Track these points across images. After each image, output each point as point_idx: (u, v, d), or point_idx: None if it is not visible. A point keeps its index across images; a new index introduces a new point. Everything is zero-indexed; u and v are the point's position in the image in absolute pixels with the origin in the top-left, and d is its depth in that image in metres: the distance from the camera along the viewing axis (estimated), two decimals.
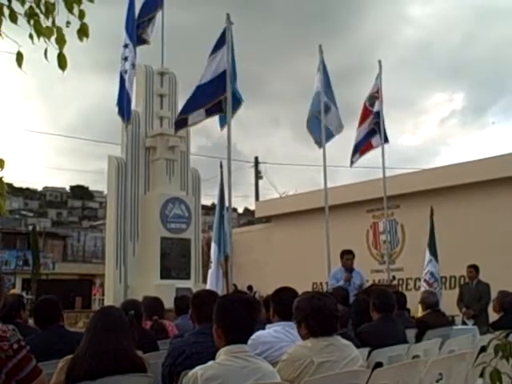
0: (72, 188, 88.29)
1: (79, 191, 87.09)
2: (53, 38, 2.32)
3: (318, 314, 3.41)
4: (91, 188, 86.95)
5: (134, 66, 9.23)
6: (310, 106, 11.13)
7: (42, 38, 2.32)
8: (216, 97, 9.05)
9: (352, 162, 12.13)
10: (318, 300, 3.49)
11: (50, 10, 2.30)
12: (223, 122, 9.27)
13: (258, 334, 3.86)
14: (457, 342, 5.41)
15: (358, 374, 3.32)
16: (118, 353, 3.34)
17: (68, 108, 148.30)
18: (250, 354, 3.01)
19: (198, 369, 2.86)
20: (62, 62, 2.34)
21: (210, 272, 8.23)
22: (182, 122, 9.54)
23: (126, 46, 9.15)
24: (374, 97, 12.10)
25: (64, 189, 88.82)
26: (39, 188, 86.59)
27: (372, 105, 12.08)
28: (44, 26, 2.30)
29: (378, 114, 12.00)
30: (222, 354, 2.94)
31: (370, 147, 12.15)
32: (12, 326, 2.78)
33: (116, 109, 9.21)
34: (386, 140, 12.14)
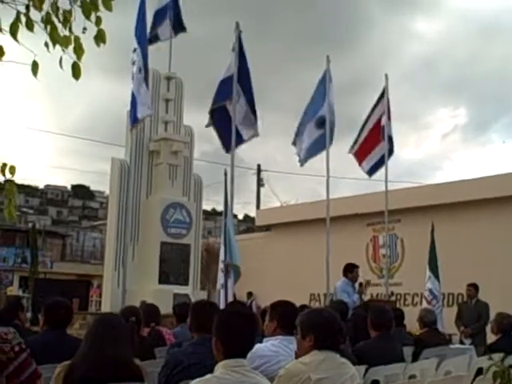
0: (73, 187, 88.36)
1: (80, 190, 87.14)
2: (70, 48, 2.33)
3: (328, 327, 3.42)
4: (92, 188, 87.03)
5: (140, 69, 9.23)
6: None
7: (57, 46, 2.33)
8: (224, 100, 9.17)
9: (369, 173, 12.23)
10: (329, 314, 3.52)
11: (67, 19, 2.31)
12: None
13: (256, 348, 3.85)
14: (454, 363, 5.40)
15: None
16: (117, 360, 3.33)
17: (74, 109, 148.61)
18: (248, 368, 3.00)
19: (196, 381, 2.86)
20: (76, 72, 2.35)
21: (229, 281, 8.18)
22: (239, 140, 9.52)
23: (134, 50, 9.17)
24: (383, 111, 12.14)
25: (65, 187, 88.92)
26: (41, 186, 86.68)
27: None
28: (62, 34, 2.31)
29: (383, 128, 12.02)
30: (220, 368, 2.93)
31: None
32: (13, 329, 2.79)
33: (126, 114, 9.24)
34: (391, 152, 12.17)
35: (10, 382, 2.66)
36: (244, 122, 9.36)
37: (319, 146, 11.01)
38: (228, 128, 9.18)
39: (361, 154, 12.09)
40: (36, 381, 2.78)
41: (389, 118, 12.23)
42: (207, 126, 9.37)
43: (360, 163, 12.10)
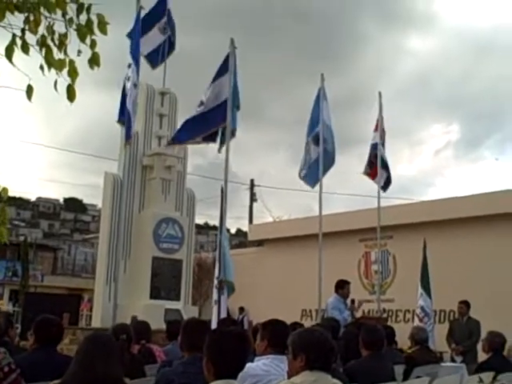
0: (65, 200, 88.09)
1: (72, 204, 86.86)
2: (64, 71, 2.35)
3: (319, 347, 3.41)
4: (85, 201, 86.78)
5: (135, 85, 9.25)
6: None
7: (52, 69, 2.35)
8: (215, 126, 9.09)
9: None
10: (321, 334, 3.50)
11: (63, 42, 2.33)
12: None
13: (247, 367, 3.84)
14: (445, 382, 5.41)
15: None
16: (107, 379, 3.31)
17: (67, 122, 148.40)
18: None
19: None
20: (71, 95, 2.37)
21: (222, 298, 8.13)
22: (175, 141, 9.62)
23: (129, 65, 9.19)
24: (375, 129, 12.22)
25: (57, 200, 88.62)
26: (32, 198, 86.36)
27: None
28: (56, 58, 2.33)
29: (375, 146, 12.09)
30: None
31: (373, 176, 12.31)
32: (3, 349, 2.78)
33: (119, 127, 9.23)
34: (387, 184, 12.32)
35: None
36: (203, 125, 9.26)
37: (325, 163, 11.07)
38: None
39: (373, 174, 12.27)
40: None
41: (382, 136, 12.33)
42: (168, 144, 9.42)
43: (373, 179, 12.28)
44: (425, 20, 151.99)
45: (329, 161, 11.10)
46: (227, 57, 9.21)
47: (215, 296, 8.16)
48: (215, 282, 8.21)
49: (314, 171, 11.00)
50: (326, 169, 11.11)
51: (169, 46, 13.35)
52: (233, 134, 9.17)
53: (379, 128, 12.17)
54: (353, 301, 9.13)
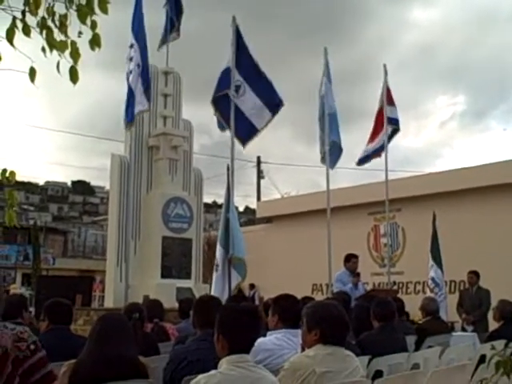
0: (73, 183, 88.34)
1: (81, 186, 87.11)
2: (67, 52, 2.34)
3: (335, 322, 3.44)
4: (93, 184, 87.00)
5: (139, 65, 9.21)
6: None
7: (54, 51, 2.34)
8: (222, 89, 9.18)
9: (360, 163, 12.27)
10: (336, 309, 3.53)
11: (63, 23, 2.32)
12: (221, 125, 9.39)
13: (260, 342, 3.88)
14: (456, 351, 5.44)
15: None
16: (121, 358, 3.36)
17: (72, 105, 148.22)
18: (253, 363, 3.03)
19: (200, 377, 2.88)
20: (74, 76, 2.36)
21: (216, 276, 8.16)
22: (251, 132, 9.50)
23: (131, 46, 9.13)
24: (383, 101, 12.19)
25: (65, 184, 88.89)
26: (41, 182, 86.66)
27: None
28: (58, 39, 2.32)
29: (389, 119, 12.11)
30: (225, 364, 2.95)
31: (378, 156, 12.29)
32: (27, 328, 2.81)
33: (123, 109, 9.22)
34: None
35: (25, 380, 2.68)
36: (254, 113, 9.35)
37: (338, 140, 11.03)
38: (241, 122, 9.21)
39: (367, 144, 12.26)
40: (51, 383, 2.79)
41: (393, 104, 12.31)
42: (216, 114, 9.40)
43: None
44: None
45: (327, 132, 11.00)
46: (237, 31, 9.22)
47: (214, 275, 8.22)
48: (217, 259, 8.23)
49: (333, 151, 10.97)
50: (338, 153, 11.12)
51: (171, 26, 13.29)
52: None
53: (385, 99, 12.14)
54: (358, 274, 9.15)
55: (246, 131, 9.31)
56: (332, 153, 10.87)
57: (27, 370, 2.65)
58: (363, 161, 12.31)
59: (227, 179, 8.69)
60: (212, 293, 8.00)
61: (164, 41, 13.34)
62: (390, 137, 12.38)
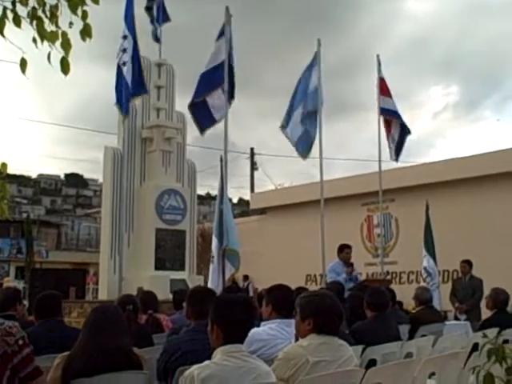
0: (67, 176, 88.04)
1: (74, 179, 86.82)
2: (57, 43, 2.33)
3: (328, 312, 3.45)
4: (86, 176, 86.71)
5: (133, 57, 9.19)
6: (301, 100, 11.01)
7: (45, 42, 2.33)
8: (215, 86, 9.24)
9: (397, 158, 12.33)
10: (330, 299, 3.54)
11: (54, 14, 2.30)
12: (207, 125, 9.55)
13: (253, 332, 3.89)
14: (450, 340, 5.47)
15: (352, 374, 3.36)
16: (115, 350, 3.37)
17: (64, 97, 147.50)
18: (247, 353, 3.04)
19: (194, 368, 2.88)
20: (65, 67, 2.35)
21: (212, 268, 8.18)
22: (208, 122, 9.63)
23: (124, 37, 9.09)
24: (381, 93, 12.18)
25: (58, 176, 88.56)
26: (33, 175, 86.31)
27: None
28: (49, 30, 2.30)
29: (385, 110, 12.08)
30: (219, 354, 2.96)
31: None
32: (17, 323, 2.83)
33: (114, 100, 9.21)
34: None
35: (14, 375, 2.70)
36: (217, 105, 9.51)
37: (312, 132, 11.00)
38: (202, 111, 9.37)
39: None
40: (38, 376, 2.82)
41: (388, 95, 12.28)
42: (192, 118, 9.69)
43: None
44: None
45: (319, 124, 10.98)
46: (224, 25, 9.22)
47: (211, 267, 8.26)
48: (213, 251, 8.25)
49: (304, 139, 10.95)
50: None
51: (163, 16, 13.27)
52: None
53: (378, 90, 12.13)
54: (351, 264, 9.16)
55: (207, 120, 9.57)
56: (303, 140, 10.86)
57: (16, 365, 2.68)
58: (398, 153, 12.34)
59: (220, 171, 8.70)
60: (209, 284, 8.04)
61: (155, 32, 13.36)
62: (403, 133, 12.29)
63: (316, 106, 10.84)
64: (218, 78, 9.35)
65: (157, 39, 13.43)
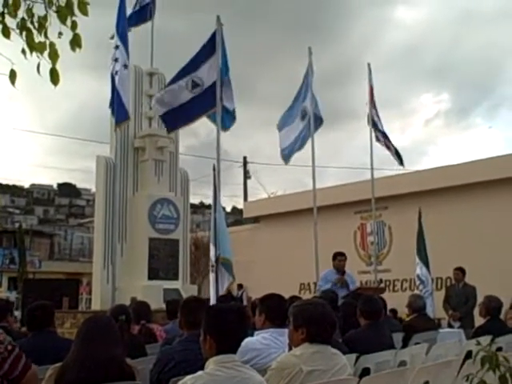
0: (59, 185, 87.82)
1: (66, 189, 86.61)
2: (46, 53, 2.32)
3: (321, 321, 3.44)
4: (78, 186, 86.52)
5: (126, 66, 9.19)
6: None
7: (34, 53, 2.32)
8: (203, 113, 9.17)
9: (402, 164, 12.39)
10: (323, 308, 3.53)
11: (42, 25, 2.30)
12: (227, 125, 9.40)
13: (247, 341, 3.88)
14: (443, 347, 5.47)
15: (346, 383, 3.35)
16: (108, 361, 3.34)
17: (56, 107, 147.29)
18: (240, 363, 3.02)
19: (187, 379, 2.87)
20: (54, 78, 2.34)
21: (212, 277, 8.14)
22: (173, 124, 9.58)
23: (116, 47, 9.10)
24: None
25: (51, 186, 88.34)
26: (26, 185, 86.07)
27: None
28: (37, 40, 2.30)
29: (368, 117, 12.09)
30: (212, 364, 2.94)
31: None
32: (1, 330, 2.84)
33: (109, 110, 9.21)
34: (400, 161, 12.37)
35: (3, 379, 2.73)
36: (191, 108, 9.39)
37: (304, 139, 11.06)
38: (180, 111, 9.22)
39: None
40: (27, 372, 2.86)
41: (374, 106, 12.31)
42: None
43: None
44: None
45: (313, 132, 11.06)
46: (214, 33, 9.15)
47: (212, 276, 8.21)
48: (212, 260, 8.22)
49: (296, 147, 11.05)
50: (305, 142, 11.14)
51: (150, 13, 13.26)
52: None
53: (369, 99, 12.16)
54: (343, 272, 9.10)
55: (177, 121, 9.41)
56: (290, 147, 10.97)
57: (8, 370, 2.70)
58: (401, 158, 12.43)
59: (213, 180, 8.69)
60: (211, 293, 8.00)
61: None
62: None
63: (311, 113, 10.91)
64: (205, 104, 9.21)
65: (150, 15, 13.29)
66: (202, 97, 9.06)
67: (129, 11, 9.48)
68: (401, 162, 12.38)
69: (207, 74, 9.09)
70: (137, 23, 13.02)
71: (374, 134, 12.12)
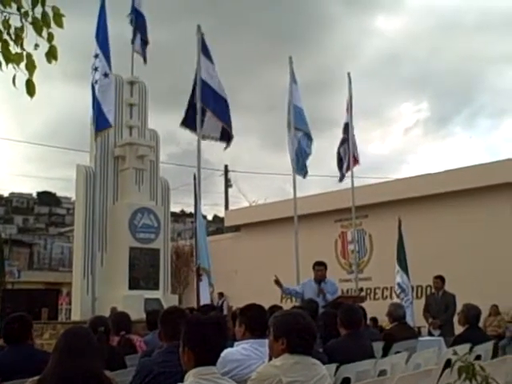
0: (39, 194, 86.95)
1: (46, 197, 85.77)
2: (22, 64, 2.31)
3: (302, 332, 3.43)
4: (58, 194, 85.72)
5: (106, 75, 9.17)
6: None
7: (10, 64, 2.31)
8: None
9: (342, 178, 12.39)
10: (303, 319, 3.52)
11: (19, 36, 2.28)
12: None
13: (227, 352, 3.86)
14: (423, 356, 5.49)
15: None
16: (87, 373, 3.30)
17: (35, 116, 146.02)
18: (219, 376, 3.01)
19: None
20: (30, 89, 2.33)
21: (202, 285, 8.15)
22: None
23: (96, 56, 9.08)
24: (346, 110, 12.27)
25: (31, 195, 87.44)
26: (5, 194, 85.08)
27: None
28: (13, 52, 2.28)
29: (347, 126, 12.15)
30: (191, 376, 2.93)
31: (355, 162, 12.37)
32: None
33: (90, 119, 9.20)
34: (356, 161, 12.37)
35: None
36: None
37: (302, 148, 11.13)
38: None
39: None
40: None
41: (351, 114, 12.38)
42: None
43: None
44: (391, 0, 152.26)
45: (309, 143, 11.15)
46: (203, 42, 9.21)
47: (200, 284, 8.21)
48: (200, 268, 8.23)
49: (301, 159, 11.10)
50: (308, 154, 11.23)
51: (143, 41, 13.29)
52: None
53: (349, 108, 12.23)
54: (320, 281, 9.02)
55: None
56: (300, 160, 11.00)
57: None
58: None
59: (194, 189, 8.69)
60: (201, 301, 7.99)
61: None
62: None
63: (296, 123, 10.98)
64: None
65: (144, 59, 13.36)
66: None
67: (109, 20, 9.43)
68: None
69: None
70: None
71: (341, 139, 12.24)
